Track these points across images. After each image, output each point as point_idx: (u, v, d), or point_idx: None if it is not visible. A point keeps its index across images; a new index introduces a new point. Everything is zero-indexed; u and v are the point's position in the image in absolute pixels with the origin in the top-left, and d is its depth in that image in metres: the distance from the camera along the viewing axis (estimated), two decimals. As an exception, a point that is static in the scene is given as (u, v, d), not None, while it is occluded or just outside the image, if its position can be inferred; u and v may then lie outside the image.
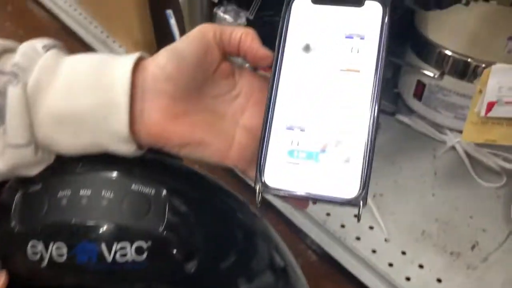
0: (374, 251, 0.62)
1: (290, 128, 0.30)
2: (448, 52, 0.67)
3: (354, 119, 0.29)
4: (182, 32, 0.79)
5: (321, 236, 0.66)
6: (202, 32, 0.32)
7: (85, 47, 1.02)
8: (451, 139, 0.73)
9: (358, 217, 0.28)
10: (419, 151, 0.75)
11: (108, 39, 1.01)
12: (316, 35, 0.31)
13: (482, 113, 0.52)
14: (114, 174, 0.32)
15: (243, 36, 0.32)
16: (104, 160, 0.32)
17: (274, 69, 0.31)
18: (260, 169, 0.30)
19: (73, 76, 0.31)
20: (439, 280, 0.59)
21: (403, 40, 0.75)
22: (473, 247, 0.62)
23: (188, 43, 0.32)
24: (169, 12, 0.79)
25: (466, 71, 0.66)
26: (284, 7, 0.32)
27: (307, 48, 0.31)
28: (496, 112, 0.52)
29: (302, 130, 0.30)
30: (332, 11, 0.31)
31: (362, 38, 0.30)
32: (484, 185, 0.69)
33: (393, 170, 0.72)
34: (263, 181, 0.30)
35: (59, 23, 1.12)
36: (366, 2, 0.30)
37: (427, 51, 0.70)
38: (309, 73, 0.30)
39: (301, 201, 0.33)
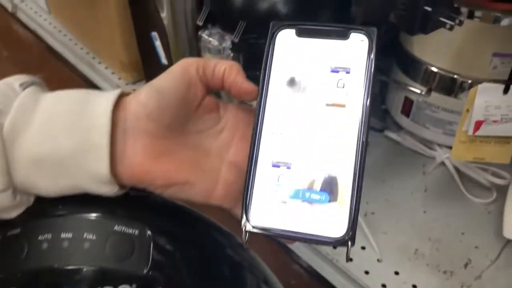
0: (367, 272, 0.61)
1: (276, 165, 0.29)
2: (434, 69, 0.67)
3: (341, 156, 0.28)
4: (168, 54, 0.78)
5: (313, 257, 0.65)
6: (184, 67, 0.32)
7: (71, 69, 1.02)
8: (440, 155, 0.73)
9: (347, 257, 0.27)
10: (408, 168, 0.74)
11: (93, 60, 1.00)
12: (301, 69, 0.30)
13: (470, 132, 0.52)
14: (96, 215, 0.31)
15: (227, 69, 0.32)
16: (85, 200, 0.31)
17: (258, 104, 0.30)
18: (246, 208, 0.29)
19: (51, 116, 0.30)
20: (433, 301, 0.58)
21: (389, 56, 0.75)
22: (466, 265, 0.61)
23: (170, 79, 0.31)
24: (154, 34, 0.79)
25: (453, 87, 0.66)
26: (268, 39, 0.31)
27: (292, 82, 0.30)
28: (484, 131, 0.52)
29: (288, 167, 0.29)
30: (317, 44, 0.30)
31: (347, 72, 0.29)
32: (474, 201, 0.68)
33: (383, 188, 0.72)
34: (249, 220, 0.29)
35: (44, 44, 1.11)
36: (351, 35, 0.30)
37: (413, 68, 0.70)
38: (295, 108, 0.30)
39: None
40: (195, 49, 0.72)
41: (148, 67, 0.88)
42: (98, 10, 0.88)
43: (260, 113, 0.30)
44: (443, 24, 0.45)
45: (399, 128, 0.77)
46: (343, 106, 0.29)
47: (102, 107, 0.30)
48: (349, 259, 0.28)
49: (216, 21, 0.66)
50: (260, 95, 0.30)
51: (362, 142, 0.28)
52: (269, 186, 0.29)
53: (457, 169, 0.71)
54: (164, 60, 0.80)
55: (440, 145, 0.73)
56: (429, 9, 0.44)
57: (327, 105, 0.29)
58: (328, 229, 0.28)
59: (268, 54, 0.31)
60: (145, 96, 0.30)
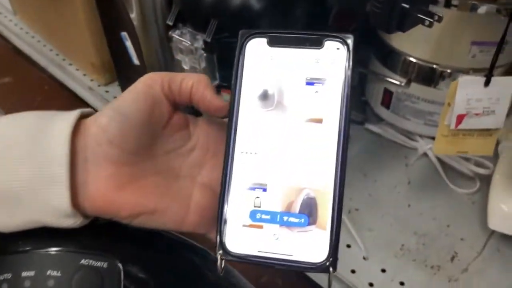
0: (353, 271, 0.60)
1: (251, 188, 0.27)
2: (413, 60, 0.65)
3: (319, 176, 0.27)
4: (139, 54, 0.75)
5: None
6: (148, 84, 0.29)
7: (40, 71, 0.98)
8: (422, 145, 0.72)
9: (329, 283, 0.26)
10: (391, 160, 0.73)
11: (64, 62, 0.97)
12: (274, 81, 0.28)
13: (452, 126, 0.51)
14: (60, 249, 0.29)
15: (195, 84, 0.29)
16: (47, 234, 0.29)
17: (230, 121, 0.28)
18: (220, 235, 0.27)
19: (5, 145, 0.28)
20: (421, 297, 0.57)
21: (367, 47, 0.74)
22: (452, 258, 0.61)
23: (132, 99, 0.29)
24: (124, 34, 0.76)
25: (432, 77, 0.65)
26: (237, 50, 0.29)
27: (264, 96, 0.28)
28: (466, 124, 0.50)
29: (264, 189, 0.27)
30: (290, 53, 0.28)
31: (323, 84, 0.27)
32: (458, 192, 0.68)
33: (366, 183, 0.70)
34: (224, 247, 0.27)
35: (11, 45, 1.06)
36: (326, 43, 0.28)
37: (391, 59, 0.68)
38: (269, 125, 0.28)
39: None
40: (168, 50, 0.69)
41: (120, 68, 0.85)
42: (65, 10, 0.85)
43: (232, 131, 0.28)
44: (421, 21, 0.43)
45: (379, 120, 0.76)
46: (319, 121, 0.27)
47: (59, 134, 0.27)
48: (331, 285, 0.26)
49: (187, 20, 0.63)
50: (231, 111, 0.28)
51: (342, 160, 0.27)
52: (245, 210, 0.27)
53: (439, 160, 0.70)
54: (136, 61, 0.77)
55: (421, 136, 0.72)
56: (407, 6, 0.42)
57: (303, 120, 0.27)
58: (308, 255, 0.26)
59: (238, 66, 0.29)
60: (106, 120, 0.28)
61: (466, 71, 0.62)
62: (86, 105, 0.87)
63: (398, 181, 0.70)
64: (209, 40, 0.59)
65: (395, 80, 0.68)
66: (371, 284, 0.59)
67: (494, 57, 0.45)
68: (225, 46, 0.60)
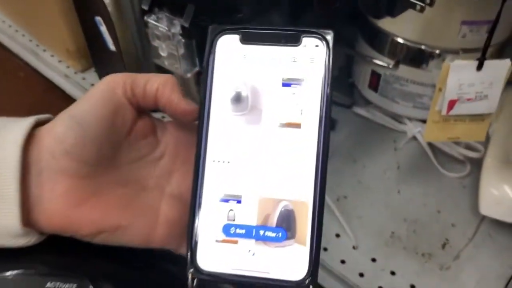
0: (343, 262, 0.58)
1: (224, 200, 0.25)
2: (401, 40, 0.62)
3: (298, 186, 0.24)
4: (115, 40, 0.71)
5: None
6: (108, 88, 0.26)
7: (13, 57, 0.93)
8: (411, 129, 0.70)
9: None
10: (379, 145, 0.71)
11: (37, 48, 0.92)
12: (248, 83, 0.25)
13: (444, 111, 0.48)
14: (20, 272, 0.26)
15: (161, 87, 0.27)
16: (2, 255, 0.26)
17: (200, 127, 0.26)
18: (191, 251, 0.25)
19: None
20: (412, 287, 0.56)
21: (353, 27, 0.71)
22: (443, 245, 0.59)
23: (91, 105, 0.26)
24: (99, 19, 0.72)
25: (421, 59, 0.62)
26: (206, 47, 0.26)
27: (237, 98, 0.25)
28: (458, 109, 0.48)
29: (238, 201, 0.25)
30: (264, 52, 0.25)
31: (301, 84, 0.25)
32: (448, 176, 0.66)
33: (355, 169, 0.68)
34: (195, 265, 0.25)
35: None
36: (303, 39, 0.25)
37: (379, 40, 0.65)
38: (242, 130, 0.25)
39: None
40: (145, 35, 0.66)
41: (96, 54, 0.81)
42: (35, -7, 0.80)
43: (202, 137, 0.25)
44: (412, 6, 0.40)
45: (367, 102, 0.73)
46: (298, 125, 0.25)
47: (11, 145, 0.25)
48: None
49: (164, 5, 0.59)
50: (201, 116, 0.26)
51: (322, 168, 0.24)
52: (217, 224, 0.25)
53: (429, 143, 0.68)
54: (112, 47, 0.74)
55: (410, 119, 0.70)
56: (397, -10, 0.39)
57: (280, 125, 0.25)
58: (287, 271, 0.24)
59: (208, 65, 0.26)
60: (62, 129, 0.25)
61: (456, 52, 0.59)
62: (63, 92, 0.83)
63: (387, 166, 0.68)
64: (187, 25, 0.56)
65: (383, 62, 0.65)
66: (361, 275, 0.57)
67: (487, 40, 0.42)
68: (204, 31, 0.57)
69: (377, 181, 0.67)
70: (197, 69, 0.60)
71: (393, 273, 0.57)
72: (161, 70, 0.64)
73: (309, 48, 0.25)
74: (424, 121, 0.68)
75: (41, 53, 0.91)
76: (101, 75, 0.84)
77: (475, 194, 0.61)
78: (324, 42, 0.25)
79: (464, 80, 0.45)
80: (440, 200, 0.64)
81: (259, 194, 0.25)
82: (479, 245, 0.59)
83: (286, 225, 0.24)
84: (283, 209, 0.24)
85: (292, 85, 0.25)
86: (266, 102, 0.25)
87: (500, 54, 0.62)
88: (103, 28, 0.73)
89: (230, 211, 0.25)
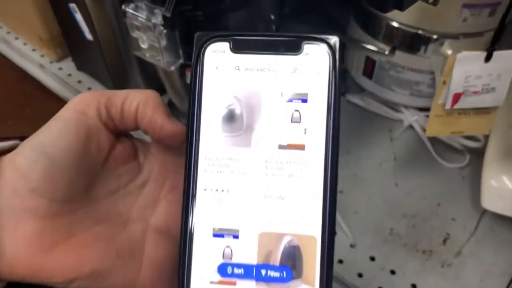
0: (340, 261, 0.56)
1: (218, 235, 0.22)
2: (397, 25, 0.59)
3: (303, 217, 0.21)
4: (92, 29, 0.66)
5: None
6: (79, 110, 0.22)
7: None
8: (407, 117, 0.67)
9: None
10: (375, 135, 0.68)
11: (9, 35, 0.87)
12: (242, 98, 0.22)
13: (448, 105, 0.45)
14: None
15: (141, 106, 0.23)
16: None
17: (189, 151, 0.22)
18: (183, 296, 0.21)
19: None
20: (414, 286, 0.54)
21: (346, 11, 0.67)
22: (444, 241, 0.57)
23: (60, 132, 0.22)
24: (73, 6, 0.67)
25: (418, 44, 0.59)
26: (193, 58, 0.22)
27: (230, 117, 0.22)
28: (463, 103, 0.45)
29: (235, 236, 0.21)
30: (260, 62, 0.22)
31: (304, 100, 0.21)
32: (447, 166, 0.63)
33: (350, 160, 0.65)
34: (189, 311, 0.21)
35: None
36: (305, 47, 0.21)
37: (373, 24, 0.62)
38: (238, 153, 0.22)
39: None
40: (125, 24, 0.61)
41: (72, 43, 0.76)
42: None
43: (192, 163, 0.22)
44: (424, -2, 0.36)
45: (361, 90, 0.70)
46: (301, 147, 0.21)
47: None
48: None
49: (142, -9, 0.55)
50: (190, 138, 0.22)
51: (330, 196, 0.21)
52: (212, 263, 0.22)
53: (427, 132, 0.65)
54: (88, 35, 0.69)
55: (407, 107, 0.67)
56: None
57: (280, 147, 0.21)
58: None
59: (195, 79, 0.22)
60: (26, 163, 0.21)
61: (455, 37, 0.56)
62: (38, 84, 0.78)
63: (383, 157, 0.65)
64: (169, 15, 0.51)
65: (378, 47, 0.62)
66: (360, 275, 0.55)
67: (498, 29, 0.39)
68: (188, 21, 0.53)
69: (373, 173, 0.64)
70: (181, 61, 0.56)
71: (393, 272, 0.55)
72: (142, 62, 0.60)
73: (311, 56, 0.21)
74: (421, 109, 0.65)
75: (12, 41, 0.86)
76: (78, 65, 0.79)
77: (475, 185, 0.59)
78: (329, 49, 0.21)
79: (471, 72, 0.42)
80: (439, 193, 0.61)
81: (259, 228, 0.21)
82: (481, 239, 0.57)
83: (291, 263, 0.21)
84: (287, 245, 0.21)
85: (293, 100, 0.21)
86: (264, 121, 0.21)
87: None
88: (78, 16, 0.68)
89: (226, 248, 0.21)
